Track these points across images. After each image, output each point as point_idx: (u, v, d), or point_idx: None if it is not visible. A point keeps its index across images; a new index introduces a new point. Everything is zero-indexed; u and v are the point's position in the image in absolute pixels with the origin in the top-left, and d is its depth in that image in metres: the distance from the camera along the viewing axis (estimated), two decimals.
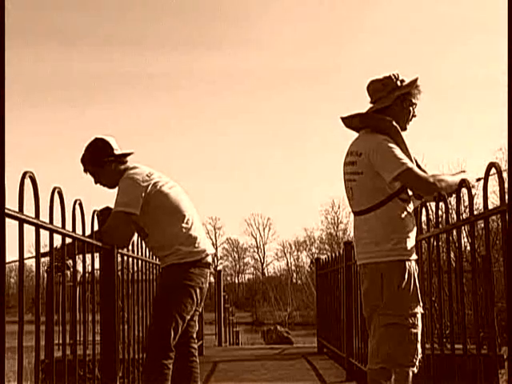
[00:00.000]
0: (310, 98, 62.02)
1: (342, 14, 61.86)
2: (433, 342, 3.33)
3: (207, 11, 62.79)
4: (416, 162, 3.32)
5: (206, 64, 60.47)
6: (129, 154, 3.82)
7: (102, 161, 3.74)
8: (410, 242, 3.24)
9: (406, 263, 3.21)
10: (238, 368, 6.98)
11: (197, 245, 3.72)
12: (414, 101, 3.36)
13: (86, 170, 3.79)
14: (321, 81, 61.69)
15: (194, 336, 3.90)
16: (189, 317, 3.72)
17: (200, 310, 3.91)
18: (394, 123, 3.27)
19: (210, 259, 3.79)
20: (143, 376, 3.77)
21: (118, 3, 62.10)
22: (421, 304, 3.24)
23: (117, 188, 3.72)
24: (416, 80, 3.36)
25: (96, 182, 3.81)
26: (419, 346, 3.23)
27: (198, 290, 3.70)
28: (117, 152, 3.78)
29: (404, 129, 3.35)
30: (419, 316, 3.23)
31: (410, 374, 3.23)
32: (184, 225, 3.71)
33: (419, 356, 3.23)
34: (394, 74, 3.34)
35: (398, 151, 3.19)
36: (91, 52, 61.93)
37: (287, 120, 65.81)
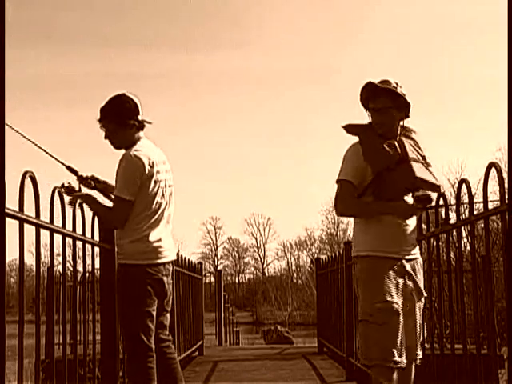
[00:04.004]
0: (310, 98, 62.09)
1: (342, 14, 61.93)
2: (433, 342, 3.33)
3: (208, 11, 62.84)
4: (423, 157, 3.38)
5: (207, 64, 60.55)
6: (149, 123, 3.69)
7: (125, 121, 3.60)
8: (380, 239, 3.28)
9: (372, 259, 3.27)
10: (238, 368, 6.97)
11: (156, 245, 3.59)
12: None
13: (101, 121, 3.64)
14: (321, 81, 61.76)
15: (164, 337, 3.72)
16: (153, 310, 3.57)
17: (168, 308, 3.74)
18: (365, 128, 3.37)
19: (167, 260, 3.65)
20: (128, 380, 3.69)
21: (118, 3, 62.17)
22: (390, 299, 3.22)
23: (120, 162, 3.56)
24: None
25: (105, 138, 3.67)
26: (394, 342, 3.18)
27: (154, 283, 3.56)
28: (140, 117, 3.63)
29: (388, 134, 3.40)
30: (390, 312, 3.20)
31: (391, 370, 3.21)
32: (149, 224, 3.58)
33: (396, 353, 3.18)
34: (395, 82, 3.42)
35: (346, 163, 3.34)
36: (91, 52, 62.01)
37: (287, 120, 65.88)
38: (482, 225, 2.71)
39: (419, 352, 3.30)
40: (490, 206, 2.64)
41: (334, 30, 63.05)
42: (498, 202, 2.52)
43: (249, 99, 65.73)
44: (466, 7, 58.32)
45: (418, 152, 3.36)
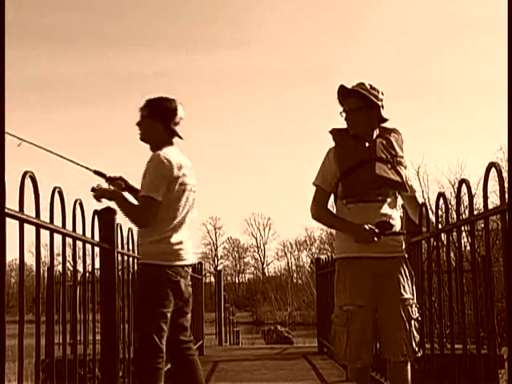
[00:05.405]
0: (310, 97, 62.11)
1: (342, 14, 61.93)
2: (433, 342, 3.33)
3: (208, 11, 62.84)
4: (394, 156, 3.42)
5: (207, 64, 60.54)
6: (179, 137, 3.79)
7: (156, 116, 3.72)
8: (346, 241, 3.35)
9: (339, 261, 3.40)
10: (238, 368, 6.98)
11: (177, 248, 3.62)
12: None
13: (142, 109, 3.79)
14: (321, 81, 61.67)
15: (185, 338, 3.72)
16: (168, 312, 3.57)
17: (188, 310, 3.74)
18: (340, 131, 3.47)
19: (186, 263, 3.67)
20: (134, 379, 3.68)
21: (118, 3, 62.16)
22: (348, 301, 3.28)
23: (148, 163, 3.63)
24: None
25: (137, 124, 3.80)
26: (352, 342, 3.26)
27: (171, 285, 3.58)
28: (172, 126, 3.74)
29: (364, 132, 3.45)
30: (349, 313, 3.27)
31: (360, 369, 3.35)
32: (171, 226, 3.61)
33: (355, 352, 3.26)
34: (369, 84, 3.45)
35: (320, 167, 3.49)
36: (91, 52, 62.03)
37: (287, 120, 65.89)
38: (482, 225, 2.70)
39: (408, 350, 3.31)
40: (490, 205, 2.64)
41: (334, 30, 63.17)
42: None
43: (249, 99, 65.81)
44: (465, 7, 58.40)
45: (390, 152, 3.40)
